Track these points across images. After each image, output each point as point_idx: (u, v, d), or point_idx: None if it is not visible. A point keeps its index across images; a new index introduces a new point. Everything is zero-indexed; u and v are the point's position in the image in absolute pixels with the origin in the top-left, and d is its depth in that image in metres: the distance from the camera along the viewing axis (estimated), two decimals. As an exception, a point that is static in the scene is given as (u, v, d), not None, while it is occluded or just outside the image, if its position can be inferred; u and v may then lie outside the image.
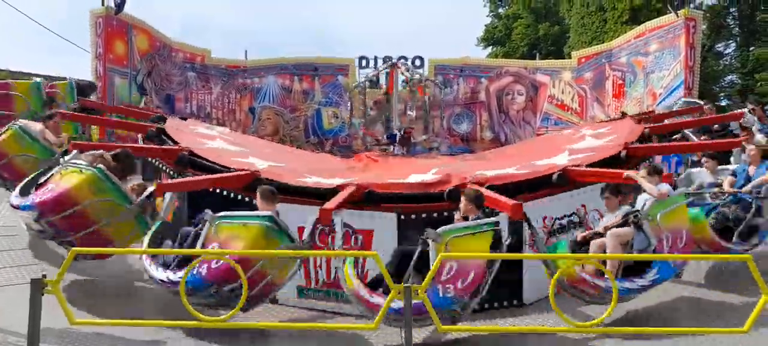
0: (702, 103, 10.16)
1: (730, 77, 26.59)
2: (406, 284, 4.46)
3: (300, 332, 5.38)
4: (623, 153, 7.27)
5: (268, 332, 5.27)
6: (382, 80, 15.19)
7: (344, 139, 15.68)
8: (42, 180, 5.92)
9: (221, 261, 4.88)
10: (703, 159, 7.14)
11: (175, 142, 7.94)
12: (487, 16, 34.35)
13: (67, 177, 5.71)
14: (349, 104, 14.48)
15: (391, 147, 12.31)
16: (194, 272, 4.89)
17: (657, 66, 13.36)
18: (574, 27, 26.41)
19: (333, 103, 16.17)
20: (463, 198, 5.44)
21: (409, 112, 13.57)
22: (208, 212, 5.34)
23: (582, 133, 9.29)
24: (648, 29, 13.88)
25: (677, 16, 12.73)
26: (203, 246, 5.13)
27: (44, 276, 4.17)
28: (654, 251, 5.21)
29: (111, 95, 12.67)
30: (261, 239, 5.02)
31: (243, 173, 6.69)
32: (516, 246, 5.82)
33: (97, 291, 6.05)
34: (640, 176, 5.75)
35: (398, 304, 4.43)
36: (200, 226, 5.32)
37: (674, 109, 10.51)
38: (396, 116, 12.29)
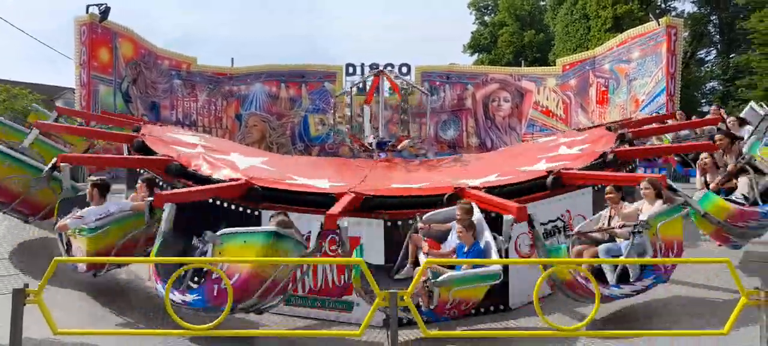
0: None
1: (711, 84, 27.12)
2: (391, 291, 4.48)
3: (287, 339, 5.37)
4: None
5: (255, 340, 5.26)
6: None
7: (331, 146, 15.72)
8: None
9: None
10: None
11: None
12: (473, 23, 34.69)
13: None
14: (334, 111, 14.52)
15: (375, 154, 12.35)
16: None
17: (639, 73, 13.59)
18: (559, 34, 26.78)
19: (320, 110, 16.22)
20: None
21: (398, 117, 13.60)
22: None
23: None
24: (630, 37, 14.12)
25: (658, 24, 12.97)
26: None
27: (26, 286, 4.13)
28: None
29: (95, 103, 12.57)
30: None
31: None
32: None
33: (83, 301, 5.98)
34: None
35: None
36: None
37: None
38: (381, 124, 12.34)
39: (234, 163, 7.77)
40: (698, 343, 4.80)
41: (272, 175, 7.53)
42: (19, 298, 4.04)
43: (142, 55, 14.29)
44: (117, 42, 13.29)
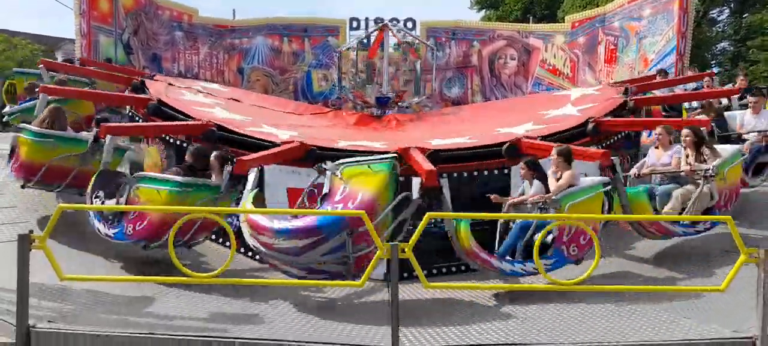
0: None
1: (722, 44, 26.56)
2: (392, 242, 4.51)
3: (289, 288, 5.46)
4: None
5: (256, 289, 5.34)
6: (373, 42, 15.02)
7: (334, 102, 15.58)
8: (325, 191, 5.15)
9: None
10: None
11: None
12: (481, -23, 33.76)
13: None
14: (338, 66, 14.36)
15: (376, 109, 12.28)
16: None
17: (650, 31, 13.32)
18: (569, -10, 26.09)
19: (323, 66, 16.02)
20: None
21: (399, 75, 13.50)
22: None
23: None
24: (642, -7, 13.78)
25: (671, -20, 12.63)
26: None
27: (31, 232, 4.17)
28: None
29: (96, 54, 12.44)
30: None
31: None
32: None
33: (88, 247, 6.07)
34: None
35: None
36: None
37: None
38: (386, 79, 12.20)
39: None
40: (696, 300, 4.85)
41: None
42: (25, 243, 4.09)
43: (143, 5, 14.03)
44: (116, -9, 13.07)
